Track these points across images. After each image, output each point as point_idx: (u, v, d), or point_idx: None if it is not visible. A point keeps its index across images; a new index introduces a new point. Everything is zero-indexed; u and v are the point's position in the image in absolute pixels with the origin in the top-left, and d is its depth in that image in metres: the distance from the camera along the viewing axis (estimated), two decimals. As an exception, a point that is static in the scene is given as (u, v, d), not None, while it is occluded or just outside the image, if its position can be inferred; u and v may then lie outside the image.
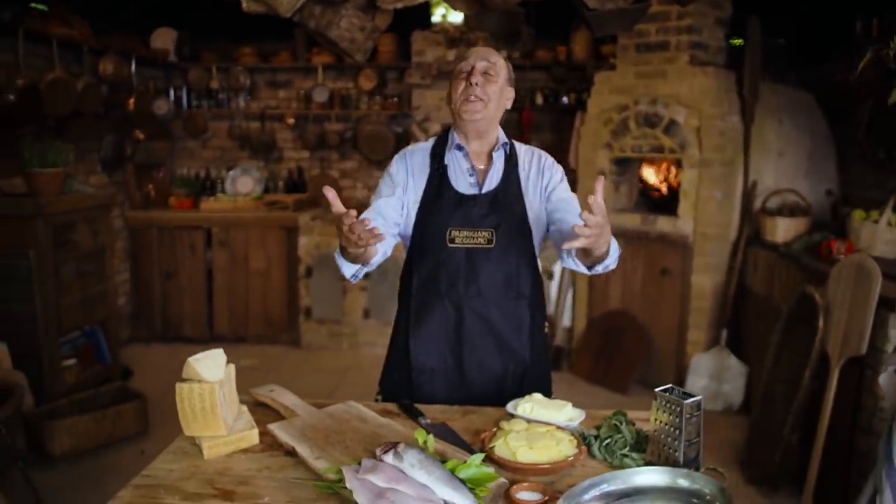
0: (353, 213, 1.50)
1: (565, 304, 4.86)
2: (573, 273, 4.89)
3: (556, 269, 4.78)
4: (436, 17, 5.56)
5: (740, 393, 4.05)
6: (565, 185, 1.98)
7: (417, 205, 1.92)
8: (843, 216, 3.74)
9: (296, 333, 5.38)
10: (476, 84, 1.84)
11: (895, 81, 2.28)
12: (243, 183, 5.91)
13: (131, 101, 5.16)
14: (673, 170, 4.58)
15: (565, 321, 4.86)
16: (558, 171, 1.99)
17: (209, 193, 5.86)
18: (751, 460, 3.37)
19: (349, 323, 5.27)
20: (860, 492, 2.51)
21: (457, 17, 5.44)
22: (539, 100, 5.57)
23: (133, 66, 5.16)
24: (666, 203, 4.55)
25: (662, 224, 4.35)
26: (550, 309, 4.75)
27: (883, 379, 2.27)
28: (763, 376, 3.48)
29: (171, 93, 5.89)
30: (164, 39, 5.69)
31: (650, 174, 4.80)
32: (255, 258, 5.40)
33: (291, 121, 5.98)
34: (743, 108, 4.15)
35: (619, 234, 4.88)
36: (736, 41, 4.51)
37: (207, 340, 5.36)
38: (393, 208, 1.90)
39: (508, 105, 1.97)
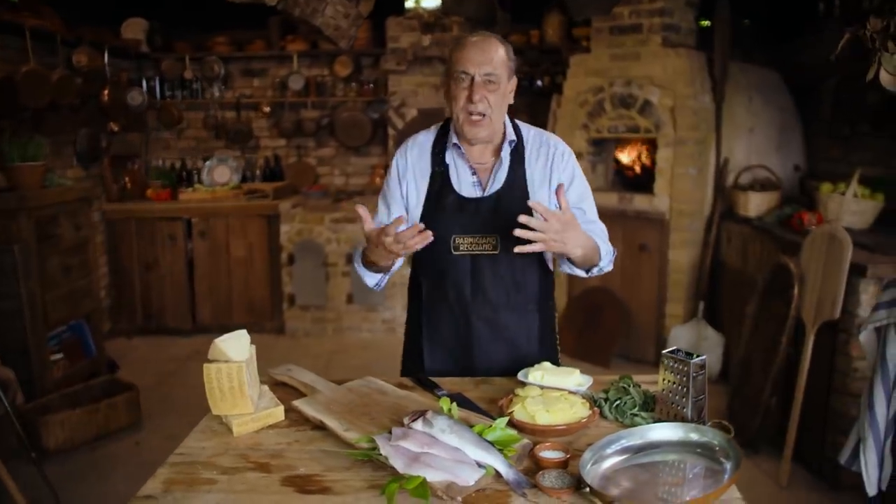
0: (399, 220, 1.57)
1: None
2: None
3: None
4: (409, 3, 5.59)
5: (718, 362, 4.21)
6: (577, 183, 1.86)
7: (420, 207, 1.87)
8: (811, 189, 3.90)
9: (280, 321, 5.40)
10: (478, 100, 1.72)
11: (872, 59, 2.41)
12: (220, 172, 5.89)
13: (106, 92, 5.10)
14: (645, 149, 4.70)
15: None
16: (568, 166, 1.86)
17: (186, 184, 5.83)
18: (732, 426, 3.52)
19: (333, 308, 5.32)
20: (839, 447, 2.67)
21: (431, 3, 5.48)
22: (514, 83, 5.63)
23: (106, 57, 5.10)
24: (641, 181, 4.67)
25: (639, 202, 4.47)
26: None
27: (864, 336, 2.41)
28: (741, 345, 3.63)
29: (144, 83, 5.83)
30: (134, 30, 5.62)
31: (623, 156, 4.91)
32: (236, 247, 5.39)
33: (267, 109, 5.96)
34: (714, 88, 4.28)
35: (598, 212, 4.94)
36: (704, 22, 4.63)
37: (190, 331, 5.35)
38: (403, 210, 1.90)
39: (512, 94, 1.83)
